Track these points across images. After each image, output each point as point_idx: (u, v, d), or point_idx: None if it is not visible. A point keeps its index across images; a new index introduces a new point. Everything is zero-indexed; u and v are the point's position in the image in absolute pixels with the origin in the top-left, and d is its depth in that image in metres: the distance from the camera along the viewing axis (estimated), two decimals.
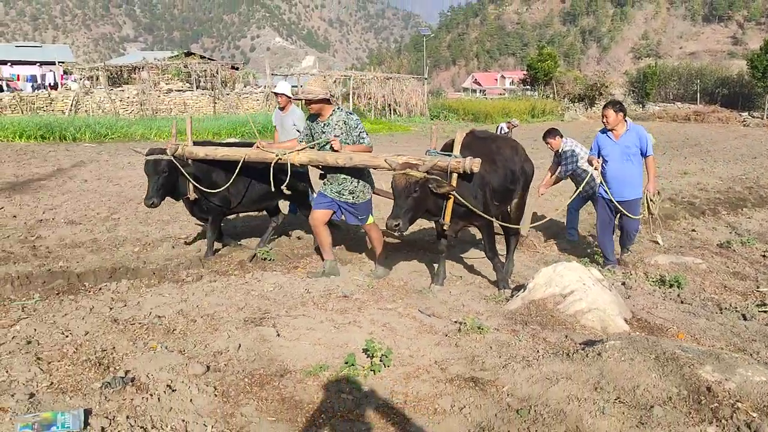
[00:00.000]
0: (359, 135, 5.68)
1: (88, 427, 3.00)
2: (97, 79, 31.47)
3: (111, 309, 4.70)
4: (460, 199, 5.21)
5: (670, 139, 25.28)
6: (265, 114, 25.02)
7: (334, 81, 34.75)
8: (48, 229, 7.62)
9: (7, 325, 4.29)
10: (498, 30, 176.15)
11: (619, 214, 6.67)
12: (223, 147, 6.30)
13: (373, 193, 6.04)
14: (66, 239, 7.11)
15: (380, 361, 3.53)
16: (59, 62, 32.71)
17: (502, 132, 14.17)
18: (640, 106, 43.95)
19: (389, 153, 5.56)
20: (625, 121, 6.47)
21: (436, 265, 6.04)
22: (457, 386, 3.43)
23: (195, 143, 6.27)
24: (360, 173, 5.75)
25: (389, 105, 36.13)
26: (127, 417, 3.10)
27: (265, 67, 36.14)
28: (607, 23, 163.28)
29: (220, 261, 6.37)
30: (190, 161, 6.11)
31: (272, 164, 5.83)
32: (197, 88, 31.64)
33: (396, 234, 5.11)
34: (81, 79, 30.63)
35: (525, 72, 44.65)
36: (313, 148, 5.77)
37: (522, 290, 5.06)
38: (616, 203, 6.48)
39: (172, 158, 5.91)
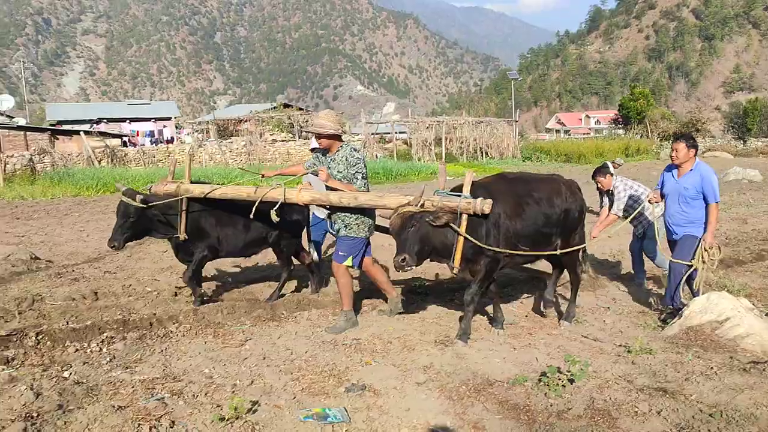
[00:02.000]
0: (354, 174, 5.48)
1: (351, 420, 3.71)
2: (207, 132, 33.89)
3: (313, 333, 5.48)
4: (459, 231, 4.95)
5: None
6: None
7: (427, 126, 35.87)
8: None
9: (238, 344, 5.13)
10: (580, 69, 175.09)
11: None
12: (220, 186, 6.20)
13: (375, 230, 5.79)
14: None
15: (578, 372, 4.10)
16: (174, 117, 35.42)
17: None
18: (741, 141, 42.82)
19: (401, 194, 5.48)
20: (695, 158, 5.96)
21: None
22: (648, 394, 3.95)
23: (192, 183, 6.20)
24: (361, 209, 5.51)
25: (480, 148, 36.86)
26: (379, 414, 3.80)
27: (357, 114, 37.74)
28: (695, 58, 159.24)
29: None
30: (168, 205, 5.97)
31: (255, 202, 5.77)
32: (299, 137, 33.45)
33: (405, 271, 4.86)
34: (194, 132, 33.08)
35: (616, 112, 44.49)
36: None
37: (678, 317, 5.49)
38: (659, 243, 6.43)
39: (140, 205, 5.80)
